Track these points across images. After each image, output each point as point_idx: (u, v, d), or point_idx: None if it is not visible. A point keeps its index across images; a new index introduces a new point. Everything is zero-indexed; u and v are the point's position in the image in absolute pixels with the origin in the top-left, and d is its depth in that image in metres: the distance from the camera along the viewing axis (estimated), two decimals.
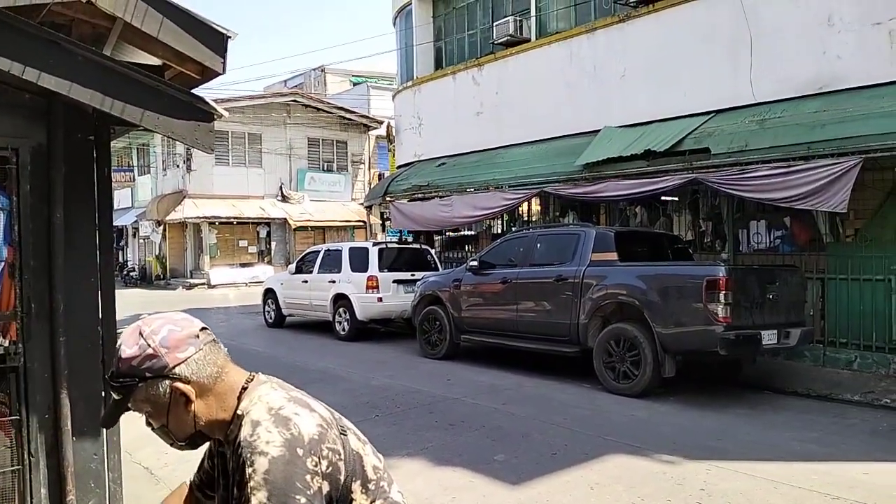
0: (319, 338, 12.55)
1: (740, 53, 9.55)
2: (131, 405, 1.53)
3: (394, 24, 16.76)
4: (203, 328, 1.58)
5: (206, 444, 1.75)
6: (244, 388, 1.57)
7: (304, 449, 1.44)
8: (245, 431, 1.46)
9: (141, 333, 1.51)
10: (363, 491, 1.58)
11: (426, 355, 10.22)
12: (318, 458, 1.46)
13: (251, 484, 1.38)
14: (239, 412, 1.53)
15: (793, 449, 5.63)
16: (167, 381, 1.49)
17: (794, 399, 7.58)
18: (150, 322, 1.54)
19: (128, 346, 1.50)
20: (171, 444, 1.60)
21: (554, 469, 5.16)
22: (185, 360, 1.51)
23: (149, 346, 1.49)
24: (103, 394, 2.94)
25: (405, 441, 5.87)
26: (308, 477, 1.42)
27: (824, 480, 4.87)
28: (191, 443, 1.60)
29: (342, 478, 1.52)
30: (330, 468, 1.49)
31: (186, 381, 1.51)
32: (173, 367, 1.49)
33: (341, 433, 1.58)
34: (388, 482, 1.67)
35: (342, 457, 1.53)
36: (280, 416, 1.47)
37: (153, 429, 1.58)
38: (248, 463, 1.40)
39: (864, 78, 8.34)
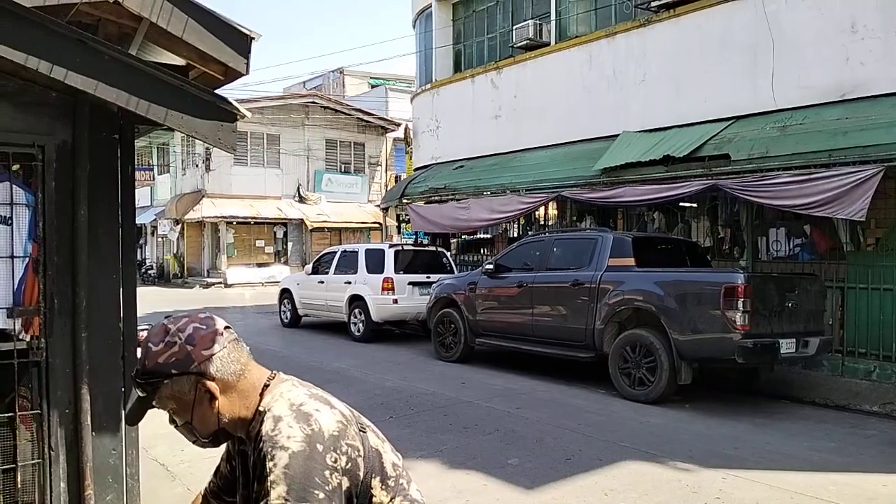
0: (334, 338, 12.59)
1: (761, 59, 9.48)
2: (156, 402, 1.55)
3: (413, 26, 16.80)
4: (226, 327, 1.60)
5: (224, 447, 1.77)
6: (266, 386, 1.60)
7: (324, 445, 1.46)
8: (267, 426, 1.48)
9: (167, 331, 1.54)
10: (383, 487, 1.60)
11: (440, 358, 10.22)
12: (338, 455, 1.48)
13: (271, 478, 1.40)
14: (261, 409, 1.55)
15: (810, 459, 5.57)
16: (193, 378, 1.52)
17: (811, 409, 7.50)
18: (175, 321, 1.57)
19: (154, 344, 1.52)
20: (194, 442, 1.62)
21: (568, 474, 5.14)
22: (211, 357, 1.53)
23: (175, 343, 1.52)
24: (123, 390, 2.97)
25: (419, 443, 5.87)
26: (327, 473, 1.44)
27: (842, 491, 4.81)
28: (213, 440, 1.62)
29: (361, 474, 1.54)
30: (349, 464, 1.51)
31: (211, 378, 1.53)
32: (199, 364, 1.52)
33: (360, 430, 1.61)
34: (406, 480, 1.68)
35: (361, 453, 1.55)
36: (301, 412, 1.50)
37: (176, 426, 1.61)
38: (269, 457, 1.43)
39: (888, 86, 8.24)
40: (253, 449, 1.53)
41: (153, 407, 1.57)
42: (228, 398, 1.56)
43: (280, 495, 1.38)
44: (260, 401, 1.57)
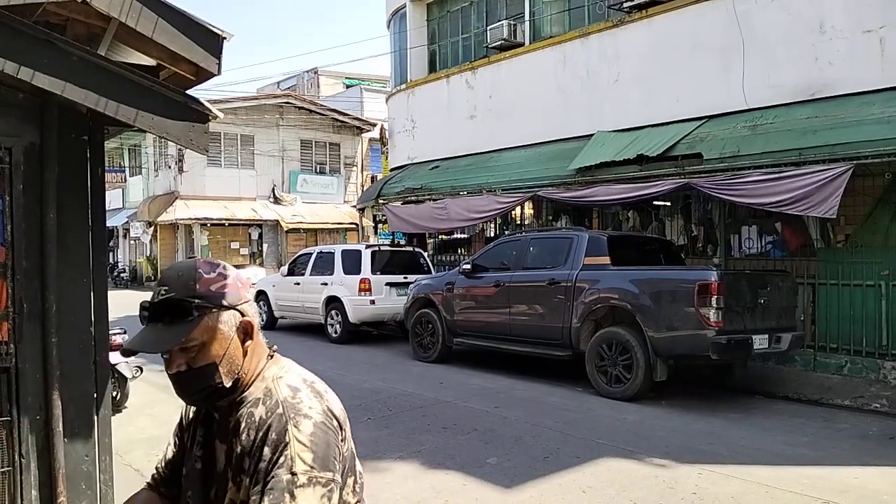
0: (311, 340, 12.52)
1: (732, 59, 9.60)
2: (187, 336, 1.42)
3: (388, 27, 16.77)
4: None
5: (175, 427, 1.72)
6: (270, 356, 1.58)
7: (336, 422, 1.47)
8: (284, 392, 1.45)
9: (214, 265, 1.49)
10: (353, 488, 1.58)
11: (418, 358, 10.21)
12: (343, 437, 1.49)
13: (295, 445, 1.36)
14: (266, 374, 1.53)
15: (784, 453, 5.65)
16: (238, 314, 1.48)
17: (784, 403, 7.61)
18: (211, 260, 1.53)
19: (205, 272, 1.46)
20: (195, 394, 1.49)
21: (546, 472, 5.16)
22: (249, 300, 1.52)
23: (228, 276, 1.48)
24: (95, 395, 2.92)
25: (397, 444, 5.86)
26: (340, 447, 1.45)
27: (815, 485, 4.89)
28: (232, 387, 1.49)
29: (346, 467, 1.53)
30: (346, 451, 1.52)
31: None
32: (243, 304, 1.50)
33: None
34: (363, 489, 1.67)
35: (349, 448, 1.56)
36: (315, 389, 1.50)
37: (186, 371, 1.45)
38: (293, 423, 1.39)
39: (856, 85, 8.40)
40: (262, 416, 1.43)
41: (176, 344, 1.42)
42: (252, 346, 1.53)
43: (306, 462, 1.35)
44: (264, 367, 1.55)
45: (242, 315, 1.49)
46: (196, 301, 1.42)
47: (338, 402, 1.53)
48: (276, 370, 1.54)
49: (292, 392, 1.45)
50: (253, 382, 1.52)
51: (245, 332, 1.49)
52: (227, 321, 1.46)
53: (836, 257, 8.85)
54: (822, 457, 5.58)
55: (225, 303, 1.45)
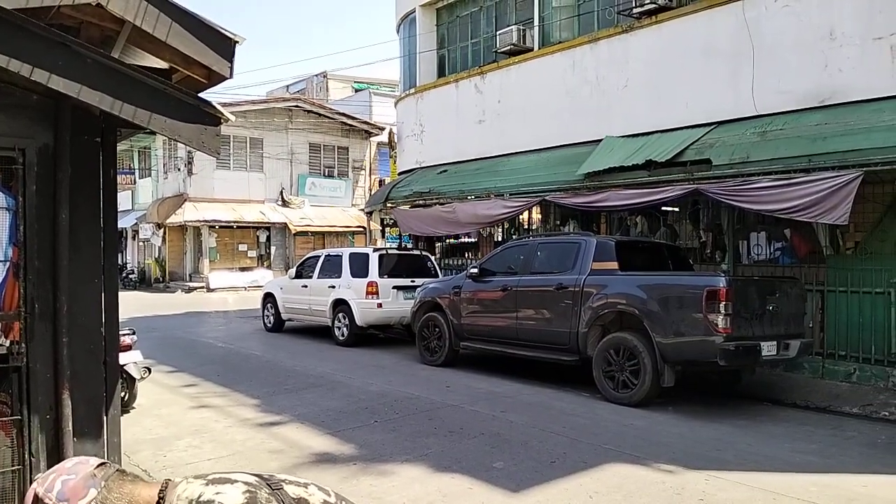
0: (318, 343, 12.54)
1: (742, 65, 9.58)
2: None
3: (397, 31, 16.82)
4: (101, 463, 1.67)
5: None
6: (161, 499, 1.64)
7: None
8: None
9: (37, 496, 1.58)
10: None
11: (425, 362, 10.21)
12: None
13: None
14: None
15: (792, 460, 5.63)
16: None
17: (792, 411, 7.58)
18: (42, 482, 1.61)
19: None
20: None
21: (553, 477, 5.15)
22: (89, 502, 1.58)
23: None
24: (104, 395, 2.94)
25: (404, 447, 5.86)
26: None
27: (823, 492, 4.87)
28: None
29: None
30: None
31: None
32: None
33: (275, 489, 1.66)
34: None
35: None
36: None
37: None
38: None
39: (866, 92, 8.36)
40: None
41: None
42: None
43: None
44: None
45: None
46: None
47: (237, 491, 1.57)
48: None
49: None
50: None
51: None
52: None
53: (845, 264, 8.81)
54: (831, 464, 5.55)
55: None
